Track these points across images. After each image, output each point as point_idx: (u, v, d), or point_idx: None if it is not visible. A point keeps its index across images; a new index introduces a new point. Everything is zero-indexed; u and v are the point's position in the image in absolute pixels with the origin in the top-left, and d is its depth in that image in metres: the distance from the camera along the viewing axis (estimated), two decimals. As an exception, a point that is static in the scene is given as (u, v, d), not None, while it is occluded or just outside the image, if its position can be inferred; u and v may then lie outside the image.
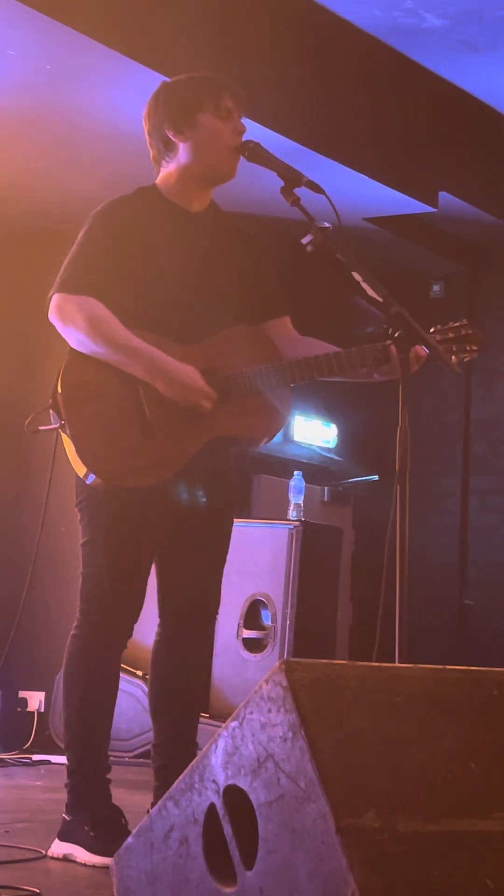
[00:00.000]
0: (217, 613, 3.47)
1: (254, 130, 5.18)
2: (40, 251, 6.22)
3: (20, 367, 6.54)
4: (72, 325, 3.24)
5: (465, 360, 3.32)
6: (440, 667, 2.18)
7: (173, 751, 3.36)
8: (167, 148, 3.38)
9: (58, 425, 3.27)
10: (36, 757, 5.76)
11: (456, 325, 3.32)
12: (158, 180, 3.42)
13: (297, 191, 3.23)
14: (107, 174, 5.78)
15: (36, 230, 6.54)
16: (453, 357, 3.28)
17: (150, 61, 4.88)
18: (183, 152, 3.36)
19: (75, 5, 4.67)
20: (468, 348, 3.31)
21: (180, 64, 4.82)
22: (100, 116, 5.33)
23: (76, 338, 3.25)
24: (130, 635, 3.38)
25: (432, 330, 3.29)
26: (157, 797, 3.31)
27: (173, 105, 3.37)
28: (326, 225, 3.16)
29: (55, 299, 3.27)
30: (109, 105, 5.23)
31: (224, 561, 3.47)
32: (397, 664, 2.67)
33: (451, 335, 3.30)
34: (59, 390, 3.26)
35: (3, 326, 6.64)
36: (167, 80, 3.52)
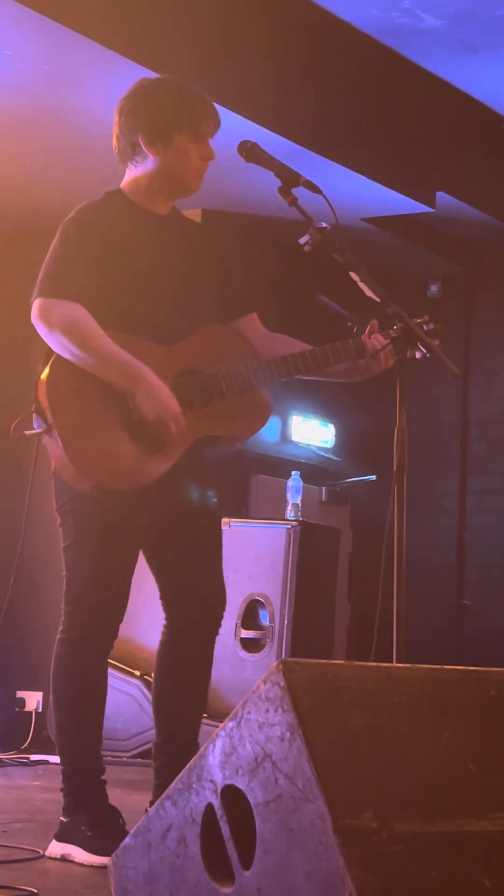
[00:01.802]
0: (223, 612, 3.45)
1: (252, 131, 5.19)
2: (38, 251, 6.21)
3: (16, 367, 6.53)
4: (57, 330, 3.23)
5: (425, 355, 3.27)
6: (438, 667, 2.18)
7: (175, 750, 3.35)
8: (134, 152, 3.40)
9: (41, 429, 3.27)
10: (34, 757, 5.75)
11: (418, 321, 3.30)
12: (124, 184, 3.44)
13: (294, 191, 3.23)
14: (105, 174, 5.75)
15: (34, 229, 6.52)
16: (409, 353, 3.22)
17: (149, 61, 4.88)
18: (151, 163, 3.38)
19: (73, 5, 4.67)
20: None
21: (180, 64, 4.83)
22: (98, 116, 5.33)
23: (60, 343, 3.24)
24: (116, 636, 3.38)
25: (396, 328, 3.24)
26: (156, 796, 3.31)
27: (153, 117, 3.37)
28: (324, 225, 3.16)
29: (38, 304, 3.27)
30: (107, 105, 5.20)
31: (220, 556, 3.45)
32: (395, 664, 2.67)
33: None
34: (45, 394, 3.25)
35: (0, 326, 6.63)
36: (153, 75, 3.51)
